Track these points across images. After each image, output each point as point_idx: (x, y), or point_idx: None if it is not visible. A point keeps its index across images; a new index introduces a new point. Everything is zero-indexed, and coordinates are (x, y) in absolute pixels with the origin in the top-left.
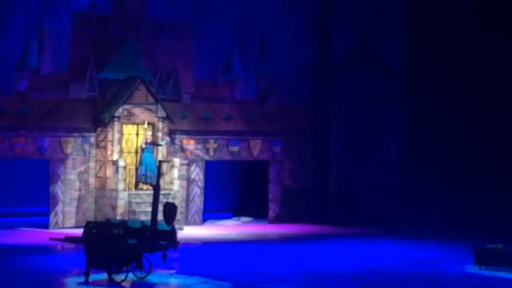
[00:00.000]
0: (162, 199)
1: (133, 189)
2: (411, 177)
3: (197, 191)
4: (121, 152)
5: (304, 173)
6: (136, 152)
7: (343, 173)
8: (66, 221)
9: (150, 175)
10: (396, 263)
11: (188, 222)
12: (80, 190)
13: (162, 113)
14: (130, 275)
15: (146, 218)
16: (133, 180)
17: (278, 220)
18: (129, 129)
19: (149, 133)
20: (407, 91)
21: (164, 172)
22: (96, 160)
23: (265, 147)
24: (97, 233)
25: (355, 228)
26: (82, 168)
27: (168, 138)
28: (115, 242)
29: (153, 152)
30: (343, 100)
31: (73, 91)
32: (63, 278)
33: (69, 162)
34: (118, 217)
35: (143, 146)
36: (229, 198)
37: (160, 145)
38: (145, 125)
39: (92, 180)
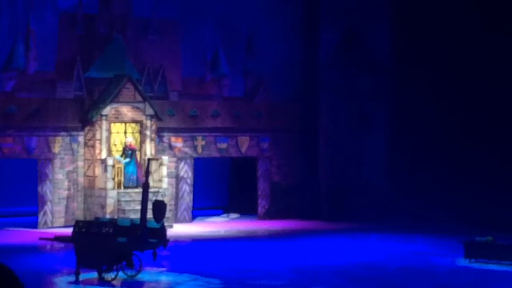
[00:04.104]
0: (151, 197)
1: (122, 187)
2: (400, 172)
3: (186, 188)
4: (109, 150)
5: (292, 169)
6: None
7: (331, 169)
8: (55, 220)
9: (132, 178)
10: (386, 258)
11: (177, 220)
12: (68, 189)
13: (150, 111)
14: (120, 273)
15: (136, 216)
16: (122, 179)
17: (267, 216)
18: (117, 128)
19: (129, 139)
20: (394, 86)
21: (152, 170)
22: (85, 159)
23: (253, 144)
24: (86, 232)
25: (344, 223)
26: (70, 167)
27: (123, 159)
28: (105, 241)
29: (133, 157)
30: (331, 96)
31: (60, 90)
32: (53, 278)
33: (57, 162)
34: (108, 216)
35: (123, 159)
36: (218, 195)
37: (121, 162)
38: (129, 140)
39: (80, 179)
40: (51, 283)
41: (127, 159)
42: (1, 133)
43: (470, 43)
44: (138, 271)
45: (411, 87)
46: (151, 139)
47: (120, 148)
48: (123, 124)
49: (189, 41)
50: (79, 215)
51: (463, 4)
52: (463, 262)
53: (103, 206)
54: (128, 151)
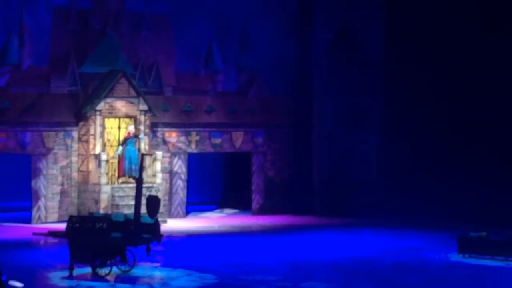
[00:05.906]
0: (145, 192)
1: (116, 182)
2: (392, 168)
3: (180, 183)
4: (103, 145)
5: (286, 164)
6: (120, 145)
7: (325, 164)
8: (49, 215)
9: (134, 168)
10: (379, 253)
11: (171, 215)
12: (62, 184)
13: (144, 106)
14: (114, 268)
15: (130, 211)
16: (116, 174)
17: (261, 211)
18: (111, 123)
19: (131, 127)
20: (387, 83)
21: (146, 165)
22: (79, 154)
23: (247, 139)
24: (80, 227)
25: (337, 218)
26: (64, 163)
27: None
28: (98, 236)
29: (135, 146)
30: (325, 92)
31: (54, 85)
32: (47, 273)
33: (51, 157)
34: (101, 211)
35: (129, 136)
36: (212, 190)
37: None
38: (131, 128)
39: (74, 174)
40: (45, 278)
41: (135, 139)
42: None
43: (463, 40)
44: (132, 266)
45: (404, 83)
46: (145, 134)
47: (115, 144)
48: (117, 119)
49: (183, 36)
50: (73, 210)
51: (456, 2)
52: (456, 257)
53: (97, 201)
54: (132, 138)
